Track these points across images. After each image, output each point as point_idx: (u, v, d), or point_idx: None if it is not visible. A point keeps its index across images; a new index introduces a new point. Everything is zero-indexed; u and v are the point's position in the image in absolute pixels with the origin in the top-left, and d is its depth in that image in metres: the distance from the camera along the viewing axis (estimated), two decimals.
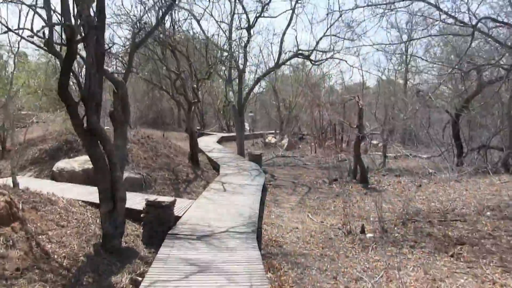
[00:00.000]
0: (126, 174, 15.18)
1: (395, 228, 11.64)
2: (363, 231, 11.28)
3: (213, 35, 25.21)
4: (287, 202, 15.46)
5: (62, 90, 7.83)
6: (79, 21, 7.37)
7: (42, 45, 8.77)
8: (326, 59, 26.37)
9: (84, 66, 9.63)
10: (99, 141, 8.86)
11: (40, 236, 8.45)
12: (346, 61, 26.90)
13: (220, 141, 35.76)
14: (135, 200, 12.21)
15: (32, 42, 8.53)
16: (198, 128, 43.82)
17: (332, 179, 19.27)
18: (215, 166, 21.43)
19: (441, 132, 40.39)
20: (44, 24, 7.35)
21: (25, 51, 34.50)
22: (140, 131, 25.74)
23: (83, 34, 7.96)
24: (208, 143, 31.50)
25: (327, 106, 36.89)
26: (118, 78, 9.95)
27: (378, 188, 17.67)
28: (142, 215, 10.15)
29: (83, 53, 9.18)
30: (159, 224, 9.85)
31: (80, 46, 9.20)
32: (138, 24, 12.97)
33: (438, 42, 25.31)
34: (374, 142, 36.47)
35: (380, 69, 55.59)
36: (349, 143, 33.61)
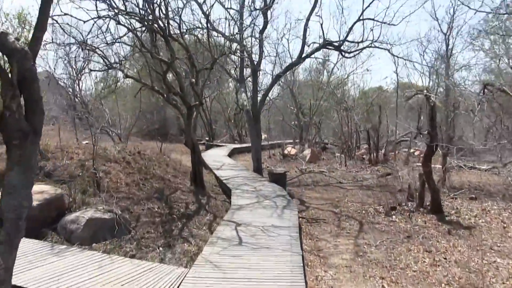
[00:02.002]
0: (89, 214, 9.99)
1: None
2: None
3: (207, 11, 19.81)
4: (336, 251, 10.01)
5: None
6: None
7: None
8: (362, 49, 20.90)
9: None
10: None
11: None
12: (388, 50, 20.37)
13: (232, 153, 30.46)
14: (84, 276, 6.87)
15: None
16: (206, 139, 38.92)
17: (389, 207, 13.80)
18: (226, 190, 16.13)
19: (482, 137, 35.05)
20: None
21: None
22: (130, 145, 20.59)
23: None
24: (217, 157, 26.19)
25: (357, 110, 31.54)
26: (15, 43, 4.72)
27: (462, 222, 12.21)
28: None
29: None
30: None
31: None
32: None
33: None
34: (410, 150, 31.02)
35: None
36: (386, 154, 28.09)
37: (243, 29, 18.84)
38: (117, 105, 29.55)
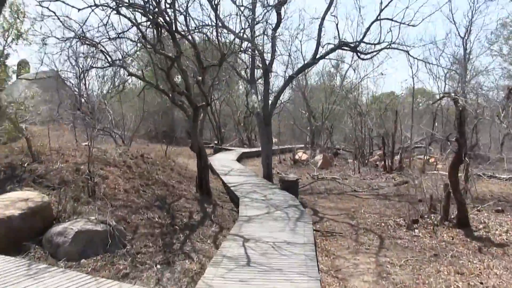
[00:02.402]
0: (79, 225, 8.91)
1: None
2: None
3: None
4: (356, 272, 8.87)
5: None
6: None
7: None
8: (379, 51, 19.76)
9: None
10: None
11: None
12: (407, 52, 19.26)
13: (241, 158, 29.40)
14: None
15: None
16: (215, 142, 38.02)
17: (411, 219, 12.62)
18: (234, 198, 15.06)
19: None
20: None
21: None
22: (134, 148, 19.60)
23: None
24: (225, 161, 25.15)
25: (371, 114, 30.37)
26: None
27: (493, 238, 11.01)
28: None
29: None
30: None
31: None
32: None
33: None
34: (425, 157, 29.77)
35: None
36: (401, 161, 26.83)
37: (255, 25, 17.74)
38: (121, 105, 28.51)
